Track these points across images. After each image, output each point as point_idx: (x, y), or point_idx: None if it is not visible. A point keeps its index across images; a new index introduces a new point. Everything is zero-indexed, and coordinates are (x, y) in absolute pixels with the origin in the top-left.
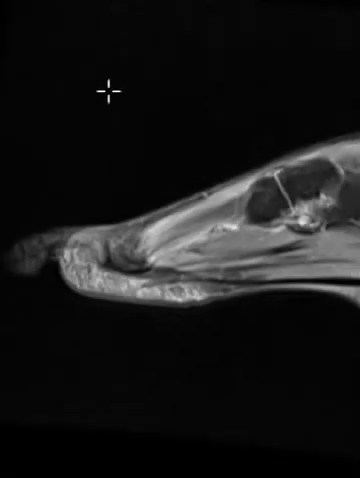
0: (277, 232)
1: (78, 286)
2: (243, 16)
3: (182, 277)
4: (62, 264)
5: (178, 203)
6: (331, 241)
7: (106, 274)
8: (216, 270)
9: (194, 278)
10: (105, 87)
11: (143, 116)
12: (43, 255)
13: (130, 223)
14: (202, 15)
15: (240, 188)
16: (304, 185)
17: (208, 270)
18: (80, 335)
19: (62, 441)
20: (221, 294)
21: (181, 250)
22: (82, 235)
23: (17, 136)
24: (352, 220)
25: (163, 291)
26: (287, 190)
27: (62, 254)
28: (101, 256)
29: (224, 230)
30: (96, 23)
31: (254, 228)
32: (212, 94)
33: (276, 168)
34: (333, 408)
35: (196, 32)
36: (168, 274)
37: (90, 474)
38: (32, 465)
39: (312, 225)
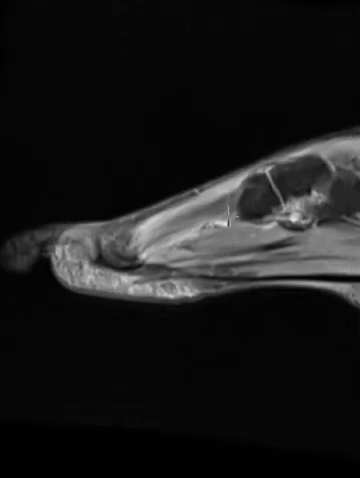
0: (268, 229)
1: (70, 283)
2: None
3: (174, 274)
4: (54, 261)
5: (170, 200)
6: (322, 238)
7: (98, 271)
8: (207, 267)
9: (185, 275)
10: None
11: (134, 114)
12: (35, 252)
13: (121, 220)
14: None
15: (232, 185)
16: (295, 182)
17: (199, 267)
18: (72, 332)
19: (59, 440)
20: (212, 291)
21: (172, 247)
22: (73, 232)
23: (10, 135)
24: (343, 217)
25: (155, 288)
26: (278, 187)
27: (54, 251)
28: (93, 253)
29: (216, 227)
30: (96, 23)
31: (245, 225)
32: (203, 92)
33: (267, 165)
34: (327, 406)
35: (192, 31)
36: (160, 271)
37: (89, 474)
38: (32, 464)
39: (303, 222)
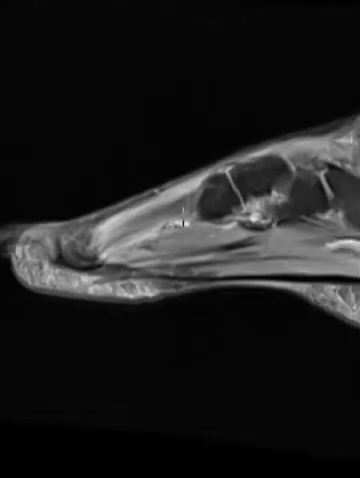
0: (228, 229)
1: (30, 283)
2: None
3: (134, 274)
4: (14, 261)
5: (130, 200)
6: (282, 238)
7: (58, 271)
8: (167, 267)
9: (146, 275)
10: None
11: (92, 113)
12: None
13: (81, 220)
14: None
15: (192, 185)
16: (256, 182)
17: (159, 267)
18: (32, 332)
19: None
20: (173, 291)
21: (132, 247)
22: (33, 232)
23: None
24: (303, 217)
25: (115, 288)
26: (238, 187)
27: (14, 251)
28: (53, 253)
29: (175, 227)
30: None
31: (206, 225)
32: (163, 92)
33: (228, 164)
34: (288, 404)
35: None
36: (120, 271)
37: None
38: None
39: (263, 222)
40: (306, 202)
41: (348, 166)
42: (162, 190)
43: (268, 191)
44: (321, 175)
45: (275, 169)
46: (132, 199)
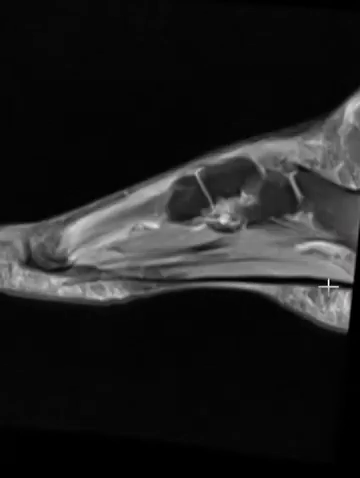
0: (198, 230)
1: None
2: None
3: (103, 275)
4: None
5: (99, 201)
6: (252, 239)
7: (27, 272)
8: (137, 268)
9: (115, 276)
10: None
11: (62, 115)
12: None
13: (51, 221)
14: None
15: (161, 186)
16: (225, 183)
17: (129, 268)
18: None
19: None
20: (142, 292)
21: (102, 248)
22: (2, 233)
23: None
24: (273, 218)
25: (84, 289)
26: (208, 188)
27: None
28: (22, 254)
29: (145, 228)
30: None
31: (175, 226)
32: (133, 92)
33: (197, 166)
34: (258, 406)
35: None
36: (89, 272)
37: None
38: None
39: (233, 223)
40: (275, 204)
41: (317, 168)
42: (131, 192)
43: (237, 193)
44: (290, 177)
45: (244, 171)
46: (102, 201)
